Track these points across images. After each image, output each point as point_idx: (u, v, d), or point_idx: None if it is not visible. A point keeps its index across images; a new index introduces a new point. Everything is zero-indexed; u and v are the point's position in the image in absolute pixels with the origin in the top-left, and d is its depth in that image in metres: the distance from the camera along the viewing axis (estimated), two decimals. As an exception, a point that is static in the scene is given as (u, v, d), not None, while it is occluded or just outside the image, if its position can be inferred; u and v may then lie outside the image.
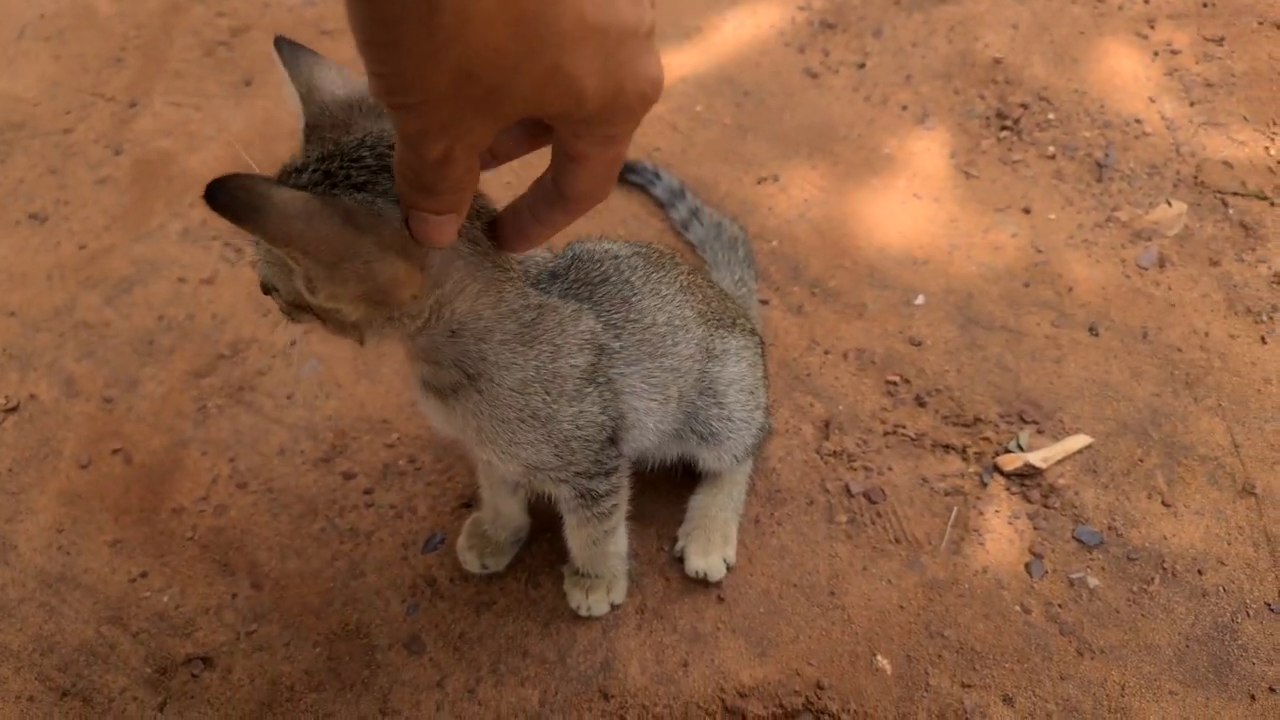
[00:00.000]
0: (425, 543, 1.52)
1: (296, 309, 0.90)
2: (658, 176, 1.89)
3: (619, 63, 0.61)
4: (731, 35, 2.28)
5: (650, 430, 1.25)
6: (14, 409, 1.74)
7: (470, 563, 1.46)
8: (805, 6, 2.32)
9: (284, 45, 0.89)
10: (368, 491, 1.59)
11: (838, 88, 2.15)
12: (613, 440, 1.18)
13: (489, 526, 1.46)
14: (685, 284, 1.27)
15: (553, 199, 0.77)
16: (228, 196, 0.68)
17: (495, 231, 0.90)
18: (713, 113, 2.13)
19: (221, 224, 1.99)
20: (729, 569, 1.45)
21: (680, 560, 1.46)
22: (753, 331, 1.43)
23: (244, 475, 1.62)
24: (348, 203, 0.79)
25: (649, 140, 2.07)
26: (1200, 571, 1.43)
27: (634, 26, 0.60)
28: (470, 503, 1.56)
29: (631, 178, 1.93)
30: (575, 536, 1.34)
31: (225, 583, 1.50)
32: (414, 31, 0.56)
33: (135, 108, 2.26)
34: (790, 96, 2.14)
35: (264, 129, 2.18)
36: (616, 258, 1.20)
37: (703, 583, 1.44)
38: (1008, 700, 1.33)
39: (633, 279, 1.18)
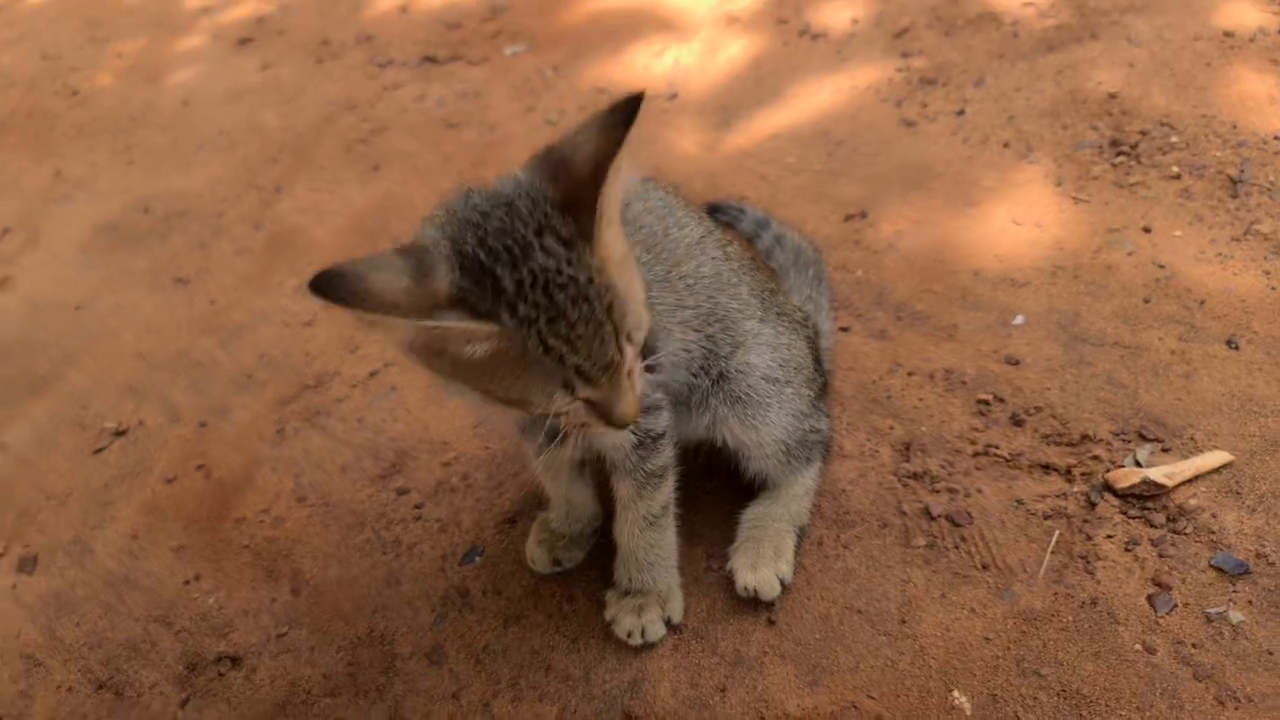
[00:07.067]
0: (464, 555, 1.44)
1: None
2: (742, 212, 1.86)
3: None
4: (828, 98, 2.28)
5: (675, 337, 1.19)
6: (123, 433, 1.85)
7: (540, 561, 1.36)
8: (904, 68, 2.30)
9: None
10: (418, 506, 1.55)
11: (935, 133, 2.07)
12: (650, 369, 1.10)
13: (559, 523, 1.37)
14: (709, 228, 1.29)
15: None
16: None
17: None
18: (804, 162, 2.09)
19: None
20: (784, 587, 1.27)
21: (730, 579, 1.29)
22: (795, 326, 1.33)
23: (305, 490, 1.63)
24: None
25: (736, 189, 2.05)
26: (1390, 615, 1.12)
27: None
28: (515, 518, 1.48)
29: (719, 217, 1.90)
30: (628, 516, 1.21)
31: (268, 587, 1.48)
32: None
33: (279, 193, 2.50)
34: (885, 144, 2.08)
35: (382, 202, 2.35)
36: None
37: (754, 603, 1.27)
38: (1124, 753, 1.05)
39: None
